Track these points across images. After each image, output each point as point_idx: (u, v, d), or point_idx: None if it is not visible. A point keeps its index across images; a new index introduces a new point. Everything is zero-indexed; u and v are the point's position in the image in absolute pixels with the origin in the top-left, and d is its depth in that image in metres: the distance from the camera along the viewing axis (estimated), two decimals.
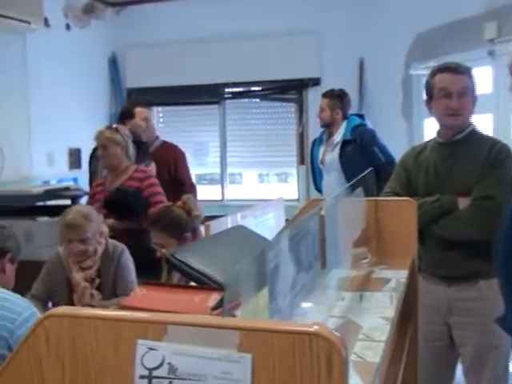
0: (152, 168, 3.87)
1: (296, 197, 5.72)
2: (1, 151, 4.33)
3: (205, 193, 5.87)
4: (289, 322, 0.81)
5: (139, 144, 3.86)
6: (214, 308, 1.33)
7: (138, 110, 4.08)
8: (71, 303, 2.84)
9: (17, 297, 2.04)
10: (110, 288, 2.88)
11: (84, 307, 2.28)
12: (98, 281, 2.87)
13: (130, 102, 4.19)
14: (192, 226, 2.74)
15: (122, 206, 3.42)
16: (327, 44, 5.40)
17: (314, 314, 1.27)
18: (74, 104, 5.40)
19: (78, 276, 2.84)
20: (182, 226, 2.69)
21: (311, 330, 0.75)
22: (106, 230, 3.03)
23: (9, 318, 1.93)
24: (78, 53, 5.46)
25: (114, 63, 6.00)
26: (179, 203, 2.79)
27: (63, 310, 0.86)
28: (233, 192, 6.02)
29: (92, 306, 2.79)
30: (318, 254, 1.23)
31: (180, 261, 1.77)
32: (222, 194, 5.96)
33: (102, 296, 2.86)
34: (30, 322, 1.94)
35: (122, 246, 2.96)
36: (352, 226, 1.71)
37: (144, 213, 3.44)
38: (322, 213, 1.32)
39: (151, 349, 0.79)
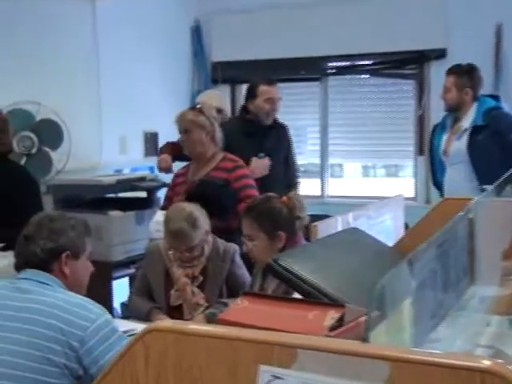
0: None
1: (412, 194, 5.58)
2: (68, 135, 4.47)
3: (301, 187, 5.84)
4: (452, 354, 0.76)
5: (257, 128, 4.04)
6: (333, 328, 1.30)
7: (262, 88, 4.13)
8: (168, 300, 3.02)
9: (89, 301, 2.08)
10: (215, 289, 3.02)
11: (191, 321, 2.30)
12: (200, 279, 3.02)
13: (255, 79, 4.28)
14: (290, 226, 2.73)
15: (207, 200, 3.44)
16: (455, 6, 5.23)
17: (460, 341, 1.21)
18: (150, 81, 5.51)
19: (178, 271, 3.02)
20: (278, 222, 2.70)
21: (482, 365, 0.70)
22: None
23: (80, 325, 1.97)
24: (156, 21, 5.57)
25: (197, 33, 6.07)
26: (283, 198, 2.80)
27: (169, 324, 0.85)
28: (333, 187, 5.97)
29: (198, 304, 2.96)
30: (466, 266, 1.16)
31: (284, 268, 1.75)
32: (322, 188, 5.91)
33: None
34: (103, 331, 1.98)
35: (233, 245, 3.11)
36: (501, 233, 1.62)
37: (233, 209, 3.46)
38: (470, 215, 1.25)
39: (276, 377, 0.77)
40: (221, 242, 3.13)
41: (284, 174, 4.22)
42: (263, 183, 3.83)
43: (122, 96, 5.22)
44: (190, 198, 3.51)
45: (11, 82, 4.33)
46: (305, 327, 1.30)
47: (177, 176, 3.77)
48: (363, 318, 1.37)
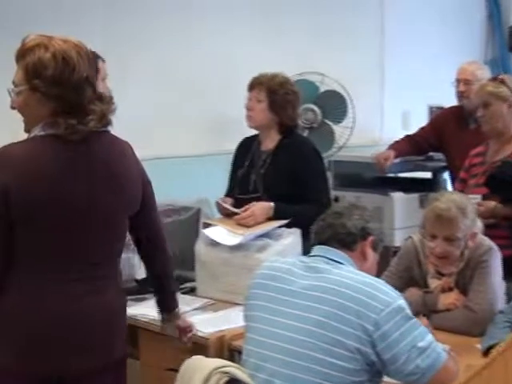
0: None
1: None
2: (352, 109, 4.58)
3: None
4: None
5: None
6: None
7: None
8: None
9: (383, 283, 2.15)
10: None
11: None
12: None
13: None
14: None
15: (510, 184, 3.35)
16: None
17: None
18: (437, 50, 5.47)
19: (433, 284, 2.86)
20: None
21: None
22: (479, 227, 2.94)
23: (375, 308, 2.04)
24: None
25: None
26: None
27: None
28: None
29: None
30: None
31: None
32: None
33: None
34: (398, 317, 2.04)
35: (487, 244, 2.86)
36: None
37: None
38: None
39: None
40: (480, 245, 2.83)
41: None
42: None
43: (406, 68, 5.28)
44: (490, 180, 3.42)
45: (297, 53, 4.58)
46: None
47: (475, 156, 3.69)
48: None
